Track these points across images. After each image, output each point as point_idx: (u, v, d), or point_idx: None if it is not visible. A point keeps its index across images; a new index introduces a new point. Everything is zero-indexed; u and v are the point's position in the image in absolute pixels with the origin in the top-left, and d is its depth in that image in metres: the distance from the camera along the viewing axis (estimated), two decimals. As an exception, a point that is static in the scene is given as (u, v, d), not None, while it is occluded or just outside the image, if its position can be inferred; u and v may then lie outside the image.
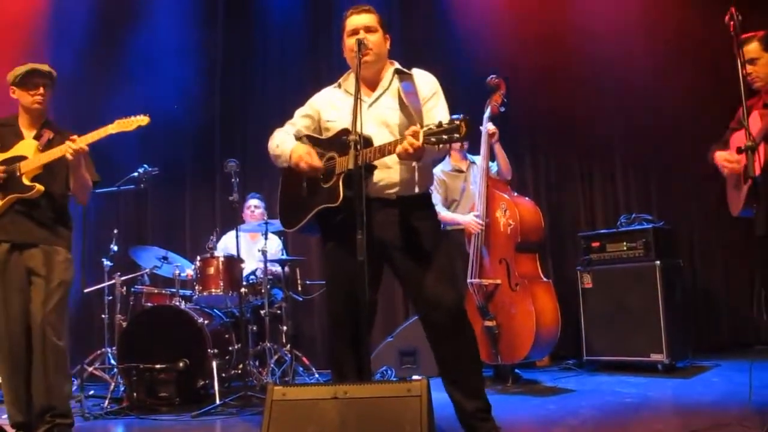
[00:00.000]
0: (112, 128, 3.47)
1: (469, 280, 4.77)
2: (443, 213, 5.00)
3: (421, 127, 2.62)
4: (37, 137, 3.57)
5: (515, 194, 5.01)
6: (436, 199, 5.06)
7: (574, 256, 5.76)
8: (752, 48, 3.28)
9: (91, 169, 3.64)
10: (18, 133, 3.59)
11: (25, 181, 3.44)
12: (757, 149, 2.70)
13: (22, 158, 3.48)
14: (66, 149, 3.38)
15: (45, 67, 3.57)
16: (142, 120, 3.48)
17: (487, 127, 4.83)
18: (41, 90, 3.54)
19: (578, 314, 5.42)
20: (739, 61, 2.62)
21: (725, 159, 3.27)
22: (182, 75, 6.60)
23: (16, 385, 3.42)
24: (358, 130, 2.70)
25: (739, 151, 2.75)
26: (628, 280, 5.19)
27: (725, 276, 6.29)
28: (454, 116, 2.56)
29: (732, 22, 2.63)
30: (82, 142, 3.40)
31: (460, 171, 5.16)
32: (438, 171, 5.13)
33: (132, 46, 6.71)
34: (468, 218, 4.90)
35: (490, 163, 4.94)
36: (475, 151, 5.08)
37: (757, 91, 3.30)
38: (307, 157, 2.96)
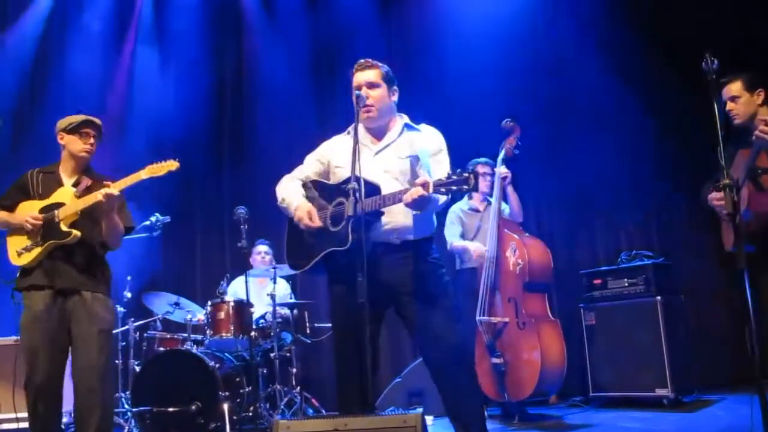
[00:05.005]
0: (144, 174, 3.48)
1: (477, 318, 4.87)
2: (455, 241, 5.21)
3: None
4: (75, 184, 3.62)
5: (526, 235, 5.14)
6: (455, 231, 5.27)
7: (578, 293, 5.83)
8: (735, 87, 3.51)
9: (125, 214, 3.68)
10: (59, 181, 3.64)
11: (63, 228, 3.47)
12: (741, 187, 2.84)
13: (61, 205, 3.52)
14: (99, 194, 3.42)
15: (98, 120, 3.66)
16: (172, 165, 3.48)
17: (500, 169, 5.00)
18: (92, 140, 3.62)
19: (583, 351, 5.48)
20: (715, 104, 2.78)
21: (716, 198, 3.42)
22: (189, 122, 6.81)
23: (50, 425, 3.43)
24: (365, 177, 2.88)
25: (716, 188, 2.89)
26: (631, 316, 5.26)
27: (729, 310, 6.31)
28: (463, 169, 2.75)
29: (707, 68, 2.80)
30: (116, 187, 3.42)
31: (477, 211, 5.35)
32: (457, 209, 5.35)
33: (137, 89, 6.98)
34: (475, 245, 5.09)
35: (503, 205, 5.11)
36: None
37: (742, 128, 3.47)
38: (307, 219, 3.11)
